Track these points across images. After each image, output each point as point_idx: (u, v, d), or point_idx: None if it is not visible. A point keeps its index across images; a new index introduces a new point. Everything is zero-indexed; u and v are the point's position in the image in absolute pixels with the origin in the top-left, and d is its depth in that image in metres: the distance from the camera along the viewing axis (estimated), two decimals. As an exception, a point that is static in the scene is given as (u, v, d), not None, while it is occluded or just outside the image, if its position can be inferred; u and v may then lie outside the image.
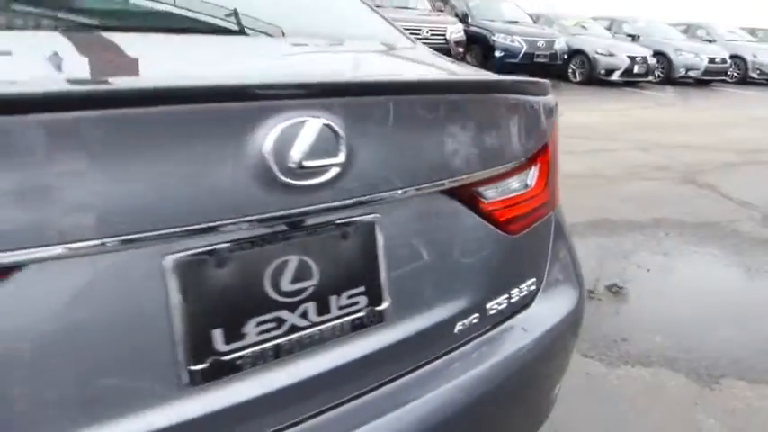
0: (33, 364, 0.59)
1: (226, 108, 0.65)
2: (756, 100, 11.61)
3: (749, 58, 13.79)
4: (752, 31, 15.86)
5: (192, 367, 0.68)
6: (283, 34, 1.18)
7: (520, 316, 1.09)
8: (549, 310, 1.14)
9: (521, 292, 1.09)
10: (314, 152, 0.69)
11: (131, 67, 0.82)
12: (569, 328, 1.17)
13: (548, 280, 1.16)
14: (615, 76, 11.59)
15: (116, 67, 0.81)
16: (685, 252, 3.33)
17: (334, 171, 0.72)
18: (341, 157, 0.72)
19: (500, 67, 9.89)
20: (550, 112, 1.11)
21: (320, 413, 0.79)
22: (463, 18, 11.24)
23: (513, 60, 10.38)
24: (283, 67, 1.02)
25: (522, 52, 10.67)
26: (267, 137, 0.66)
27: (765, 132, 7.58)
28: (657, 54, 12.62)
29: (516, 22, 11.76)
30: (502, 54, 10.55)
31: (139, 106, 0.60)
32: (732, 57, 13.48)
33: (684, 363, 2.21)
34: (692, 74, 12.84)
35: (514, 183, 1.03)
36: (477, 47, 10.76)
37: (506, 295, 1.05)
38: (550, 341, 1.10)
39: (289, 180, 0.69)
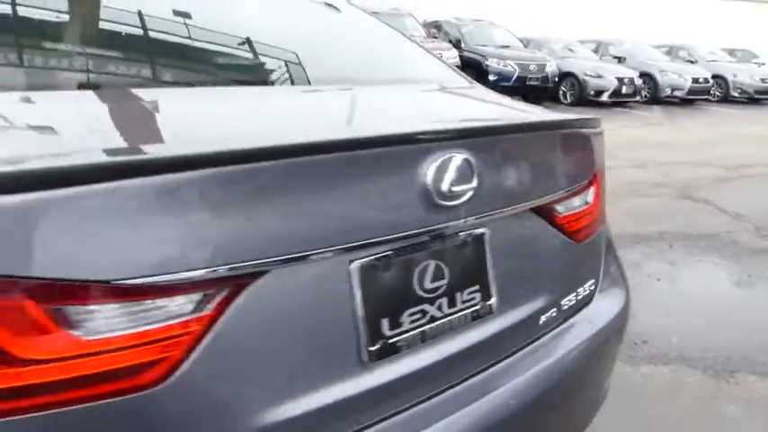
0: (271, 346, 0.80)
1: (401, 150, 0.88)
2: (739, 118, 12.04)
3: (730, 77, 14.31)
4: (731, 52, 16.45)
5: (370, 348, 0.89)
6: (377, 83, 1.41)
7: (584, 311, 1.30)
8: (605, 306, 1.36)
9: (584, 291, 1.30)
10: (458, 179, 0.91)
11: (331, 120, 1.05)
12: (621, 322, 1.38)
13: (602, 281, 1.38)
14: (604, 97, 11.99)
15: (325, 121, 1.04)
16: (690, 262, 3.58)
17: (468, 194, 0.94)
18: (474, 183, 0.94)
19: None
20: (601, 140, 1.34)
21: (453, 386, 1.00)
22: (456, 44, 11.65)
23: (506, 84, 10.73)
24: (419, 113, 1.24)
25: (515, 76, 11.05)
26: (429, 169, 0.89)
27: (750, 149, 7.92)
28: (643, 75, 13.08)
29: (508, 46, 12.18)
30: (495, 78, 10.92)
31: (348, 151, 0.82)
32: (714, 76, 13.97)
33: (700, 361, 2.43)
34: (677, 93, 13.30)
35: (579, 200, 1.26)
36: (472, 71, 11.12)
37: (575, 293, 1.27)
38: (608, 333, 1.32)
39: (440, 202, 0.91)
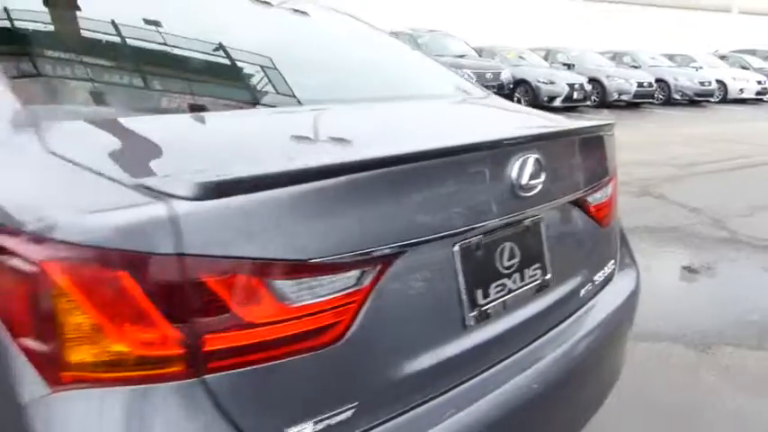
0: (404, 312, 0.99)
1: (493, 154, 1.08)
2: (682, 119, 12.80)
3: (671, 81, 15.17)
4: (670, 57, 17.42)
5: (470, 314, 1.09)
6: (420, 98, 1.63)
7: (609, 287, 1.54)
8: (624, 283, 1.59)
9: (608, 269, 1.54)
10: (532, 175, 1.13)
11: (432, 131, 1.25)
12: (636, 297, 1.62)
13: (620, 262, 1.62)
14: (557, 102, 12.53)
15: (426, 131, 1.24)
16: (659, 252, 3.92)
17: (538, 187, 1.16)
18: (542, 178, 1.16)
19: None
20: (614, 142, 1.59)
21: (526, 345, 1.21)
22: (415, 54, 11.93)
23: (465, 92, 11.07)
24: (488, 122, 1.48)
25: (473, 84, 11.43)
26: (513, 167, 1.10)
27: (696, 148, 8.50)
28: (592, 80, 13.73)
29: (464, 56, 12.60)
30: (455, 86, 11.25)
31: (457, 155, 1.02)
32: (657, 80, 14.80)
33: (681, 338, 2.72)
34: (623, 97, 14.02)
35: (603, 192, 1.50)
36: (432, 80, 11.43)
37: (602, 271, 1.50)
38: (628, 306, 1.55)
39: (520, 193, 1.12)
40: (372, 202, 0.92)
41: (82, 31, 1.31)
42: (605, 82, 14.07)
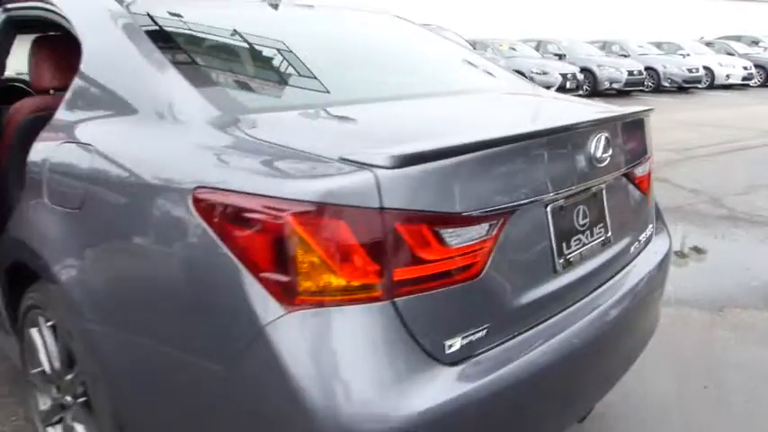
0: (514, 256, 1.27)
1: (575, 133, 1.37)
2: (673, 106, 13.16)
3: (660, 69, 15.54)
4: (658, 45, 17.79)
5: (559, 261, 1.37)
6: (488, 91, 1.91)
7: (650, 246, 1.82)
8: (660, 244, 1.88)
9: (649, 232, 1.83)
10: (603, 150, 1.41)
11: (530, 116, 1.54)
12: (669, 256, 1.91)
13: (656, 226, 1.91)
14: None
15: (527, 116, 1.53)
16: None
17: (606, 160, 1.44)
18: (609, 152, 1.44)
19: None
20: (650, 124, 1.88)
21: (596, 288, 1.50)
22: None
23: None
24: (562, 109, 1.80)
25: (471, 76, 11.72)
26: (590, 144, 1.38)
27: (690, 133, 8.84)
28: (584, 70, 14.08)
29: (459, 48, 12.84)
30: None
31: (555, 135, 1.31)
32: (646, 68, 15.16)
33: (696, 302, 3.03)
34: (614, 86, 14.36)
35: (644, 167, 1.78)
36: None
37: (645, 233, 1.79)
38: (665, 263, 1.84)
39: (595, 164, 1.40)
40: (499, 171, 1.20)
41: (266, 47, 1.61)
42: (596, 71, 14.41)
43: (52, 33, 2.50)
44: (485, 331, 1.18)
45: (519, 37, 16.40)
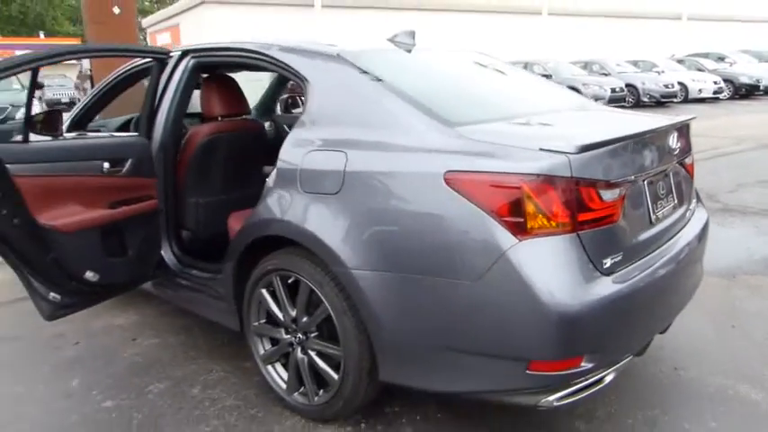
0: (631, 214, 1.97)
1: (664, 133, 2.09)
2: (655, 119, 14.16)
3: (639, 85, 16.64)
4: (635, 63, 18.97)
5: (653, 216, 2.08)
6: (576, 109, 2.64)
7: (696, 213, 2.54)
8: (700, 214, 2.60)
9: (693, 204, 2.54)
10: (675, 143, 2.14)
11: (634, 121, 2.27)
12: (708, 223, 2.63)
13: (696, 200, 2.63)
14: (542, 110, 13.74)
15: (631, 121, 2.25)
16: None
17: (675, 151, 2.17)
18: (680, 145, 2.17)
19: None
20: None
21: (671, 238, 2.20)
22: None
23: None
24: (643, 117, 2.53)
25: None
26: (670, 139, 2.11)
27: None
28: (570, 88, 15.01)
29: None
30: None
31: (655, 133, 2.03)
32: (627, 85, 16.23)
33: (714, 271, 3.75)
34: (599, 103, 15.33)
35: (690, 157, 2.51)
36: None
37: (692, 204, 2.51)
38: (706, 228, 2.55)
39: (669, 154, 2.13)
40: (625, 156, 1.91)
41: (444, 79, 2.39)
42: (582, 89, 15.38)
43: (220, 74, 3.19)
44: (620, 256, 1.88)
45: (506, 60, 17.35)
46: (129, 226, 2.64)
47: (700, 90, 17.64)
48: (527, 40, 21.34)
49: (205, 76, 3.09)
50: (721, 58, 21.39)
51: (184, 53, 2.86)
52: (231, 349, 2.91)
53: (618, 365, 1.92)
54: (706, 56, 21.65)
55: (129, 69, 3.34)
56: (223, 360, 2.82)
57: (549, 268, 1.71)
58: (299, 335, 2.28)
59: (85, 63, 10.51)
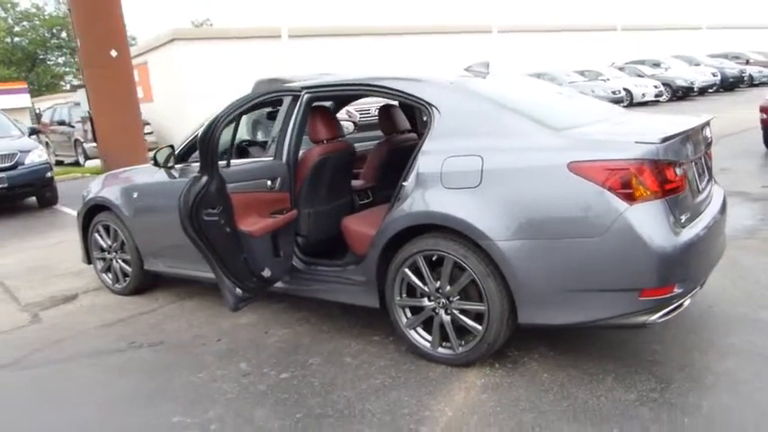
0: (691, 187, 2.75)
1: (701, 127, 2.90)
2: (608, 122, 15.45)
3: (590, 93, 17.99)
4: (581, 73, 20.47)
5: (698, 188, 2.87)
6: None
7: (715, 188, 3.36)
8: (719, 190, 3.42)
9: (713, 182, 3.36)
10: (706, 135, 2.96)
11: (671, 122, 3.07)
12: (726, 200, 3.44)
13: (715, 181, 3.46)
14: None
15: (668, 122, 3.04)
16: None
17: (707, 140, 2.98)
18: (708, 136, 2.98)
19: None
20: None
21: (708, 205, 3.00)
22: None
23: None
24: (680, 117, 3.30)
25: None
26: (705, 133, 2.92)
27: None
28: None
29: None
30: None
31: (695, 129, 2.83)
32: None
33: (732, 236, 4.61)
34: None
35: (711, 146, 3.33)
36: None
37: (713, 181, 3.33)
38: (725, 203, 3.36)
39: (703, 142, 2.94)
40: (684, 145, 2.69)
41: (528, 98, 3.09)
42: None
43: (321, 105, 3.87)
44: (688, 215, 2.66)
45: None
46: (280, 232, 3.26)
47: (643, 94, 19.21)
48: (480, 56, 22.57)
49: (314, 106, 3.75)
50: (657, 64, 23.24)
51: (302, 89, 3.53)
52: (356, 330, 3.54)
53: (691, 293, 2.69)
54: (643, 63, 23.49)
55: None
56: (353, 338, 3.45)
57: (651, 223, 2.47)
58: (443, 300, 2.95)
59: (84, 104, 10.83)
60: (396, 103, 4.73)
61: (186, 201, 2.83)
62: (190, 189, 2.86)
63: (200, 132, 2.88)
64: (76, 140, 15.71)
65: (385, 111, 4.37)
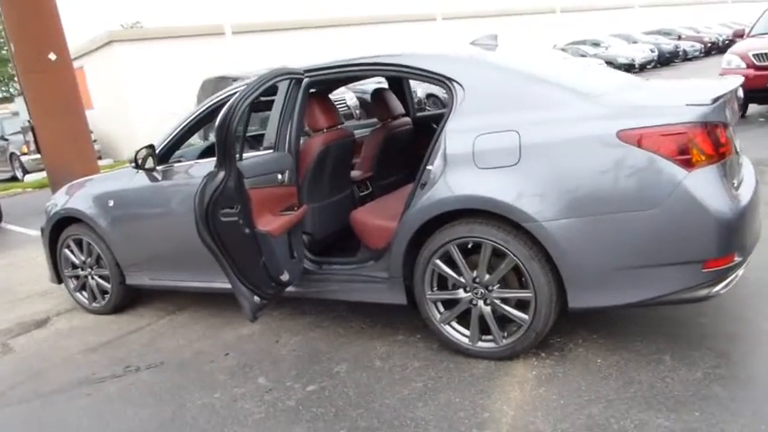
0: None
1: (735, 90, 2.77)
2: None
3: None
4: (528, 56, 20.64)
5: (738, 164, 2.74)
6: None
7: (745, 162, 3.26)
8: (749, 163, 3.32)
9: (744, 157, 3.27)
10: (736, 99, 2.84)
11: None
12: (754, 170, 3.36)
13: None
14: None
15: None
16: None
17: (736, 105, 2.86)
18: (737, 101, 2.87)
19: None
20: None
21: (741, 183, 2.88)
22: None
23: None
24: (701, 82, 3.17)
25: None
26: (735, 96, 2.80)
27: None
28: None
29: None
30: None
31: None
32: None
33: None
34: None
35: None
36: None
37: (744, 156, 3.23)
38: (754, 170, 3.28)
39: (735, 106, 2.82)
40: (726, 106, 2.55)
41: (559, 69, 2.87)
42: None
43: (319, 91, 3.56)
44: (738, 179, 2.52)
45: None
46: (292, 230, 2.96)
47: (589, 73, 19.54)
48: (426, 44, 22.50)
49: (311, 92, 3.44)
50: (596, 44, 23.74)
51: (304, 72, 3.22)
52: (376, 330, 3.29)
53: (745, 263, 2.56)
54: (584, 43, 23.95)
55: (215, 103, 3.59)
56: (376, 339, 3.19)
57: (711, 189, 2.32)
58: (481, 290, 2.73)
59: (24, 114, 10.04)
60: (386, 86, 4.49)
61: (201, 200, 2.50)
62: (205, 187, 2.52)
63: (217, 121, 2.54)
64: (12, 154, 14.69)
65: (378, 96, 4.11)
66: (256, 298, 2.73)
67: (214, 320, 3.78)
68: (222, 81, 11.01)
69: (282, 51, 17.55)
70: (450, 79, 2.79)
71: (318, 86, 3.50)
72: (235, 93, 3.16)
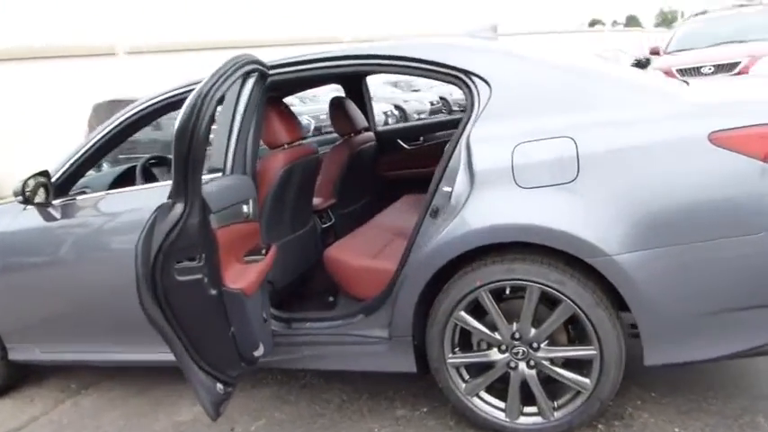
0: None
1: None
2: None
3: (448, 96, 18.16)
4: (395, 84, 20.44)
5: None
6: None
7: None
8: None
9: None
10: None
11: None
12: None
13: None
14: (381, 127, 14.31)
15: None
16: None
17: None
18: None
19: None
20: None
21: None
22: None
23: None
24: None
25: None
26: None
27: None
28: (397, 108, 15.87)
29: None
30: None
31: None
32: (440, 98, 17.63)
33: None
34: (422, 116, 16.42)
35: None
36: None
37: None
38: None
39: None
40: None
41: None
42: (404, 106, 16.31)
43: (277, 98, 2.76)
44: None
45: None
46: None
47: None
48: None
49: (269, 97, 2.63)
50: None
51: (253, 71, 2.40)
52: (360, 406, 2.51)
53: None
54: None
55: (132, 115, 2.68)
56: (365, 419, 2.42)
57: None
58: (522, 349, 2.06)
59: None
60: (343, 95, 3.78)
61: (146, 250, 1.63)
62: (153, 228, 1.66)
63: (175, 127, 1.68)
64: None
65: (337, 106, 3.38)
66: (219, 386, 1.88)
67: (137, 402, 2.82)
68: (115, 104, 9.85)
69: (182, 72, 16.35)
70: (469, 74, 2.13)
71: (280, 90, 2.72)
72: (190, 89, 2.23)
